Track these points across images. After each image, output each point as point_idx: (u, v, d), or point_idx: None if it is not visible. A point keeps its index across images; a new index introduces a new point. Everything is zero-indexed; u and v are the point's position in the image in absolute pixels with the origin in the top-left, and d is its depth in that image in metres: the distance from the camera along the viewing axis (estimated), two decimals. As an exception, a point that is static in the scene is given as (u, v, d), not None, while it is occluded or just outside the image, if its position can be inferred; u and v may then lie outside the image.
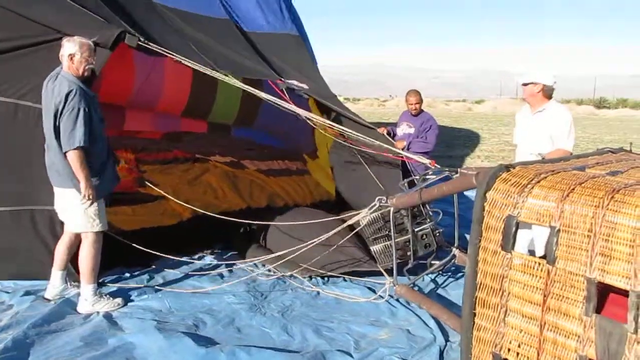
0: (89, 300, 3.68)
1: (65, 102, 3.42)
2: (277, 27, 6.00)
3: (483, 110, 36.13)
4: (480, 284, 2.54)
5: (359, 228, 3.92)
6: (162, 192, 4.81)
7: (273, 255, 4.31)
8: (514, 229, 2.37)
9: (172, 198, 4.81)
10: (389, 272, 4.02)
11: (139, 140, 6.67)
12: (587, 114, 32.86)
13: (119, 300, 3.79)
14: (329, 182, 6.59)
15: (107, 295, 3.79)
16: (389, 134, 5.39)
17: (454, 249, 4.06)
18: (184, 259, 4.67)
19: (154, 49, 4.00)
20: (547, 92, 4.10)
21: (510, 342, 2.43)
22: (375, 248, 4.06)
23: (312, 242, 3.85)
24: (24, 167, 3.65)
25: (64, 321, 3.51)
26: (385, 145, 4.41)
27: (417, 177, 3.88)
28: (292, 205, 6.43)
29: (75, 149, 3.43)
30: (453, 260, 4.06)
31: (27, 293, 3.87)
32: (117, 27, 3.90)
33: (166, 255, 4.31)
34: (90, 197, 3.55)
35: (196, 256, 4.87)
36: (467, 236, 5.43)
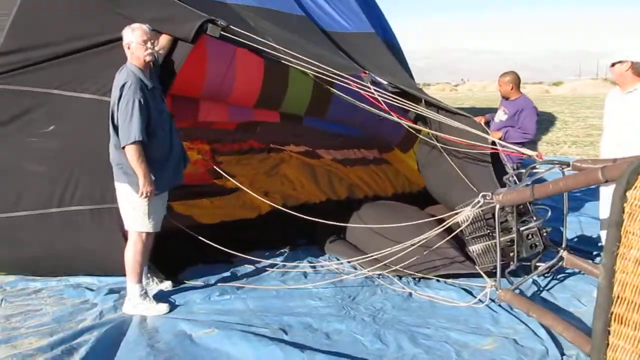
0: (131, 301, 3.54)
1: (120, 94, 3.28)
2: (356, 27, 5.72)
3: (562, 93, 34.38)
4: (618, 297, 2.17)
5: (460, 228, 3.55)
6: (237, 184, 4.62)
7: (363, 256, 4.03)
8: (663, 234, 2.00)
9: (248, 190, 4.61)
10: (488, 273, 3.68)
11: (214, 131, 6.60)
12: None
13: (163, 306, 3.56)
14: (418, 175, 6.24)
15: (152, 299, 3.60)
16: (487, 123, 4.95)
17: (561, 250, 3.65)
18: (266, 254, 4.50)
19: (238, 37, 3.80)
20: (638, 70, 3.68)
21: (656, 368, 2.06)
22: (474, 248, 3.68)
23: (412, 245, 3.53)
24: (107, 165, 3.54)
25: (146, 324, 3.40)
26: (481, 134, 4.00)
27: (523, 170, 3.49)
28: (371, 196, 6.16)
29: (132, 143, 3.27)
30: (560, 263, 3.66)
31: (111, 291, 3.81)
32: (199, 17, 3.71)
33: (245, 254, 4.13)
34: (148, 194, 3.37)
35: (277, 252, 4.68)
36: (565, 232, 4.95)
